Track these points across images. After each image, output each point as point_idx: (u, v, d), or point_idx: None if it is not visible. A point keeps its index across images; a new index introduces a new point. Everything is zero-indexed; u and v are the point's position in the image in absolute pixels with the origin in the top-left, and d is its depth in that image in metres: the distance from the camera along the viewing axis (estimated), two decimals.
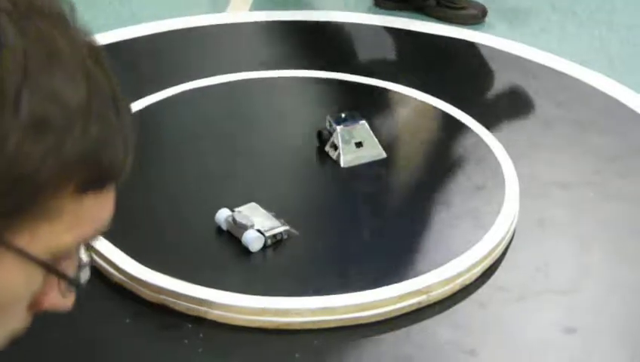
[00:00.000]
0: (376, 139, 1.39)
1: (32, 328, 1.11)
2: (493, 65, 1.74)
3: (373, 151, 1.39)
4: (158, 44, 1.78)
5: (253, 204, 1.25)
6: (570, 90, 1.65)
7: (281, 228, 1.22)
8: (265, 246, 1.20)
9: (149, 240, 1.23)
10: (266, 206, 1.25)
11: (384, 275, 1.17)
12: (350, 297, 1.13)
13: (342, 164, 1.37)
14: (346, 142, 1.37)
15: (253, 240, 1.20)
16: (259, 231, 1.20)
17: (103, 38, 1.75)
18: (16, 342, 1.08)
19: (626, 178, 1.43)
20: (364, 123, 1.39)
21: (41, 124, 0.45)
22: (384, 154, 1.39)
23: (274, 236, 1.21)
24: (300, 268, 1.19)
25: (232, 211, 1.23)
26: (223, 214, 1.23)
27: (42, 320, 1.13)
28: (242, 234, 1.20)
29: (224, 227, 1.23)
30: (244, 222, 1.21)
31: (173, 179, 1.35)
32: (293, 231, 1.22)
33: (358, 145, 1.38)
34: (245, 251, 1.20)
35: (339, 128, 1.37)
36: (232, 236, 1.22)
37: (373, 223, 1.27)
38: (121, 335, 1.11)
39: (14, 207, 0.46)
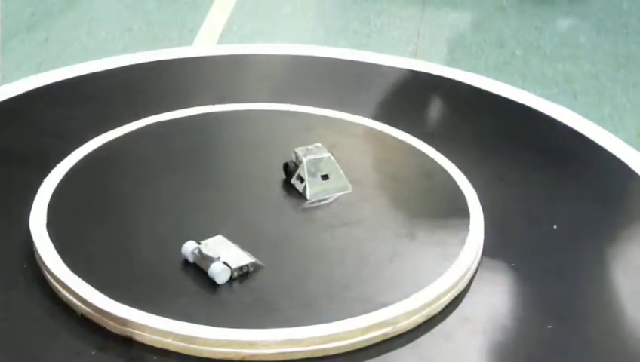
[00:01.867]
0: (342, 172, 1.40)
1: None
2: (459, 98, 1.76)
3: (339, 183, 1.40)
4: (124, 77, 1.78)
5: (219, 237, 1.26)
6: (535, 124, 1.67)
7: (248, 261, 1.22)
8: (231, 279, 1.21)
9: (114, 272, 1.22)
10: (233, 238, 1.25)
11: (350, 307, 1.17)
12: (316, 329, 1.13)
13: (308, 197, 1.37)
14: (312, 174, 1.38)
15: (219, 273, 1.20)
16: (225, 263, 1.21)
17: (70, 72, 1.76)
18: None
19: (590, 211, 1.44)
20: (330, 156, 1.40)
21: None
22: (350, 188, 1.39)
23: (240, 268, 1.21)
24: (266, 300, 1.19)
25: (199, 244, 1.23)
26: (189, 247, 1.23)
27: (4, 354, 1.14)
28: (208, 266, 1.21)
29: (190, 259, 1.23)
30: (210, 254, 1.21)
31: (139, 211, 1.35)
32: (259, 263, 1.23)
33: (324, 177, 1.39)
34: (211, 283, 1.20)
35: (305, 161, 1.38)
36: (198, 268, 1.22)
37: (339, 255, 1.27)
38: None
39: None
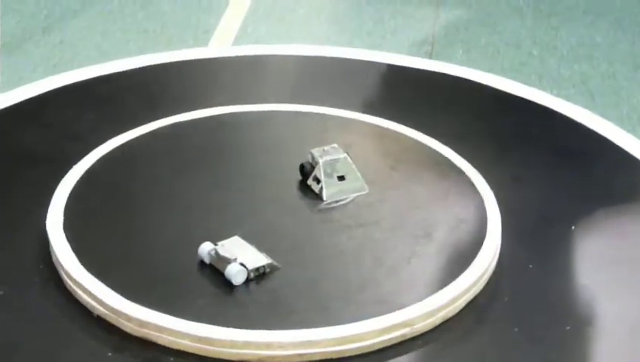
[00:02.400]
0: (358, 173, 1.39)
1: (10, 361, 1.11)
2: (475, 99, 1.75)
3: (356, 184, 1.39)
4: (140, 79, 1.78)
5: (236, 238, 1.25)
6: (552, 124, 1.66)
7: (264, 262, 1.22)
8: (248, 280, 1.20)
9: (131, 273, 1.22)
10: (249, 239, 1.25)
11: (367, 308, 1.17)
12: (333, 330, 1.13)
13: (324, 198, 1.37)
14: (328, 175, 1.38)
15: (236, 274, 1.20)
16: (242, 264, 1.20)
17: (85, 73, 1.76)
18: None
19: (608, 211, 1.44)
20: (346, 157, 1.40)
21: None
22: (366, 189, 1.39)
23: (257, 269, 1.21)
24: (283, 302, 1.18)
25: (215, 245, 1.23)
26: (205, 248, 1.23)
27: (21, 354, 1.14)
28: (225, 267, 1.20)
29: (207, 260, 1.23)
30: (227, 255, 1.21)
31: (155, 212, 1.35)
32: (275, 264, 1.22)
33: (341, 178, 1.39)
34: (228, 284, 1.20)
35: (321, 162, 1.38)
36: (215, 269, 1.22)
37: (356, 257, 1.27)
38: None
39: None
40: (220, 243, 1.23)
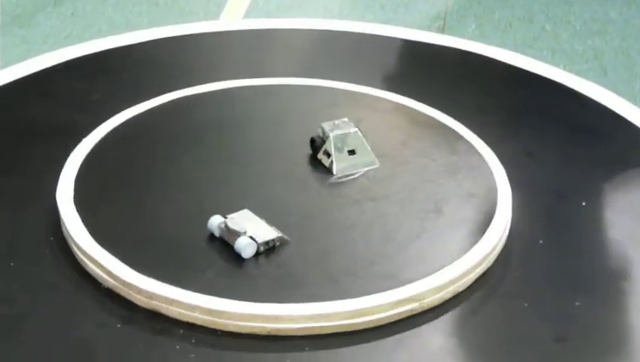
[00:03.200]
0: (368, 147, 1.39)
1: (21, 333, 1.12)
2: (487, 74, 1.75)
3: (366, 159, 1.39)
4: (151, 52, 1.78)
5: (245, 211, 1.25)
6: (565, 100, 1.66)
7: (274, 235, 1.22)
8: (257, 253, 1.20)
9: (140, 245, 1.22)
10: (259, 213, 1.25)
11: (376, 282, 1.17)
12: (342, 304, 1.13)
13: (334, 172, 1.37)
14: (338, 149, 1.38)
15: (245, 247, 1.20)
16: (251, 237, 1.20)
17: (96, 45, 1.76)
18: (3, 347, 1.09)
19: (619, 187, 1.43)
20: (356, 131, 1.39)
21: None
22: (377, 163, 1.39)
23: (266, 243, 1.21)
24: (292, 275, 1.19)
25: (225, 218, 1.23)
26: (215, 221, 1.23)
27: (31, 325, 1.14)
28: (235, 240, 1.20)
29: (217, 233, 1.23)
30: (236, 228, 1.21)
31: (165, 185, 1.35)
32: (285, 237, 1.22)
33: (351, 152, 1.38)
34: (237, 258, 1.20)
35: (332, 136, 1.38)
36: (224, 243, 1.22)
37: (366, 231, 1.27)
38: (112, 341, 1.11)
39: None
40: (229, 216, 1.23)
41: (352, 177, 1.37)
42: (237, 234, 1.20)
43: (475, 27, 3.14)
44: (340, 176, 1.36)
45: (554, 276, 1.24)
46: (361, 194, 1.33)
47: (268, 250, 1.21)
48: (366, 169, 1.38)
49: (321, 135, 1.39)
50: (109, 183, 1.35)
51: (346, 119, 1.41)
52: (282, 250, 1.22)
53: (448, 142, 1.46)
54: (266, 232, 1.22)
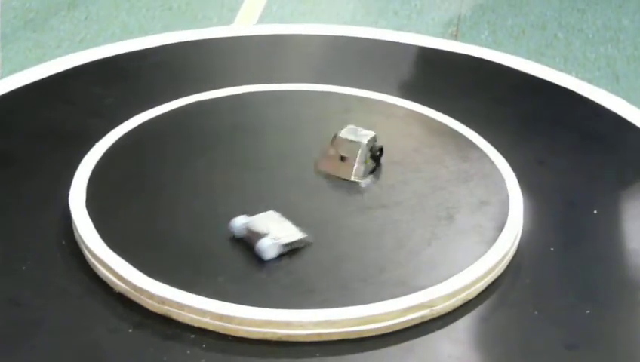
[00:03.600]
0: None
1: (33, 337, 1.12)
2: (499, 81, 1.75)
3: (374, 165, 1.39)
4: (164, 57, 1.79)
5: (271, 212, 1.25)
6: (577, 108, 1.65)
7: (297, 237, 1.22)
8: (280, 255, 1.20)
9: (152, 250, 1.23)
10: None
11: (387, 289, 1.17)
12: (353, 310, 1.13)
13: (353, 178, 1.37)
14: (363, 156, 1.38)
15: (267, 249, 1.20)
16: (273, 239, 1.20)
17: (110, 50, 1.77)
18: (15, 351, 1.09)
19: (630, 195, 1.43)
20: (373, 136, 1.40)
21: None
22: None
23: (288, 244, 1.21)
24: (303, 281, 1.19)
25: (248, 219, 1.23)
26: (238, 221, 1.23)
27: (42, 329, 1.14)
28: (256, 241, 1.20)
29: (239, 234, 1.23)
30: (259, 229, 1.21)
31: (177, 190, 1.35)
32: (308, 240, 1.22)
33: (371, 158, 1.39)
34: (250, 263, 1.20)
35: (364, 142, 1.38)
36: (235, 248, 1.22)
37: (377, 238, 1.27)
38: (123, 345, 1.11)
39: None
40: (253, 217, 1.23)
41: (367, 183, 1.37)
42: (259, 236, 1.20)
43: (487, 34, 3.15)
44: (356, 181, 1.37)
45: (565, 284, 1.24)
46: (372, 200, 1.34)
47: (290, 251, 1.21)
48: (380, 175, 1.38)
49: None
50: (121, 188, 1.35)
51: (358, 126, 1.41)
52: (294, 256, 1.22)
53: (460, 149, 1.46)
54: (289, 234, 1.21)
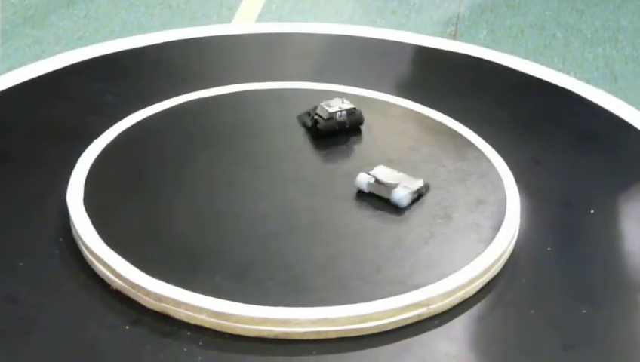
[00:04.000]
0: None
1: (30, 333, 1.13)
2: (497, 81, 1.75)
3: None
4: (164, 54, 1.79)
5: (382, 167, 1.33)
6: (575, 108, 1.66)
7: (421, 183, 1.31)
8: (412, 201, 1.29)
9: (149, 247, 1.23)
10: (269, 216, 1.25)
11: (384, 288, 1.17)
12: (350, 308, 1.13)
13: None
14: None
15: (403, 197, 1.29)
16: (404, 187, 1.29)
17: (109, 47, 1.77)
18: (12, 348, 1.10)
19: (628, 196, 1.43)
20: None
21: None
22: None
23: (417, 190, 1.31)
24: (300, 279, 1.19)
25: (368, 174, 1.31)
26: (364, 178, 1.31)
27: (39, 326, 1.15)
28: (390, 192, 1.29)
29: (366, 189, 1.31)
30: (390, 181, 1.29)
31: (175, 187, 1.35)
32: (428, 184, 1.33)
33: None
34: (246, 261, 1.20)
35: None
36: (234, 243, 1.22)
37: (374, 236, 1.27)
38: (120, 342, 1.11)
39: None
40: (371, 173, 1.31)
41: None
42: (392, 186, 1.29)
43: (486, 34, 3.15)
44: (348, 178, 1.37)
45: (561, 283, 1.24)
46: (370, 199, 1.34)
47: (418, 197, 1.31)
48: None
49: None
50: (119, 185, 1.35)
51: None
52: (291, 254, 1.22)
53: (457, 148, 1.46)
54: (413, 181, 1.31)
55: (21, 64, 1.67)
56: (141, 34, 1.85)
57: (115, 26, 3.37)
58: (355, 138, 1.47)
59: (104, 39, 1.66)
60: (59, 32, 3.37)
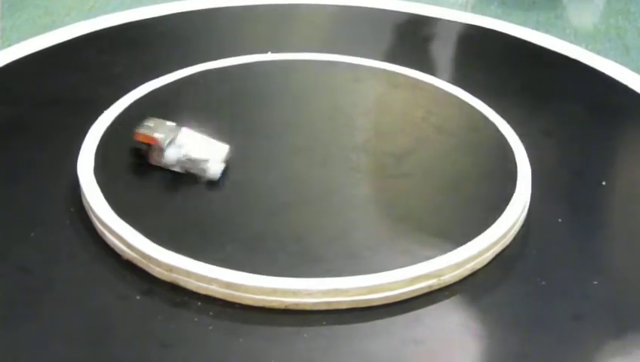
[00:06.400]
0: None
1: (41, 303, 1.13)
2: (509, 52, 1.74)
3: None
4: (173, 25, 1.78)
5: (185, 131, 1.30)
6: (586, 79, 1.65)
7: (227, 148, 1.28)
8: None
9: (161, 218, 1.23)
10: (278, 188, 1.26)
11: (395, 258, 1.17)
12: (360, 279, 1.13)
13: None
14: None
15: (218, 171, 1.27)
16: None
17: (119, 18, 1.77)
18: (24, 318, 1.10)
19: (639, 167, 1.43)
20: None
21: None
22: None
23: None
24: (311, 250, 1.19)
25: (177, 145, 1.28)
26: (174, 154, 1.28)
27: (51, 296, 1.15)
28: (204, 169, 1.26)
29: (180, 169, 1.28)
30: (198, 157, 1.26)
31: None
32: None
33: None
34: (258, 231, 1.20)
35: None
36: (244, 215, 1.22)
37: (384, 207, 1.27)
38: (131, 312, 1.12)
39: None
40: (177, 142, 1.27)
41: (372, 153, 1.37)
42: (204, 161, 1.25)
43: (497, 5, 3.13)
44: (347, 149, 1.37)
45: (572, 254, 1.24)
46: (380, 170, 1.34)
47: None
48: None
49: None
50: (129, 155, 1.35)
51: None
52: (302, 225, 1.22)
53: (468, 119, 1.45)
54: (219, 149, 1.28)
55: (31, 35, 1.67)
56: (151, 5, 1.84)
57: None
58: (364, 108, 1.47)
59: (114, 10, 1.65)
60: (69, 3, 3.35)
